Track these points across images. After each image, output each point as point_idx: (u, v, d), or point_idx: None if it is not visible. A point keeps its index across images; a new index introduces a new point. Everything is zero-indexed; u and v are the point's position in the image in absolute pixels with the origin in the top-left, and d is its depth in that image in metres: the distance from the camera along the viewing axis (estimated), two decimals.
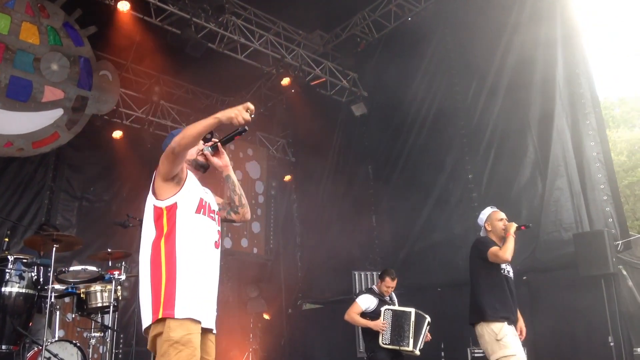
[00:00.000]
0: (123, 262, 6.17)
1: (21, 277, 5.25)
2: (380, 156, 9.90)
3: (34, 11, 8.24)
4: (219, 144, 3.15)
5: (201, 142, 3.07)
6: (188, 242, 2.84)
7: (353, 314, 6.03)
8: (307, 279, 10.96)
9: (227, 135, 3.16)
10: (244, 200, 3.36)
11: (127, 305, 9.18)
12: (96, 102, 8.90)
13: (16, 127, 8.13)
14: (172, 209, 2.88)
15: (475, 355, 6.74)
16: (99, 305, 5.67)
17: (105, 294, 5.67)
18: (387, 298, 6.18)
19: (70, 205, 9.79)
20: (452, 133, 8.74)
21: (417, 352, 5.78)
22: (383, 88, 9.98)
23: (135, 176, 10.62)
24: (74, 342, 5.52)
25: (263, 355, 9.89)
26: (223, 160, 3.26)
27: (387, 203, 9.61)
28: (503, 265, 4.82)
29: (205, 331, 2.84)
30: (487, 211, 5.10)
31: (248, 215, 3.40)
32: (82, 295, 5.68)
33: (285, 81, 9.83)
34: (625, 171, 19.99)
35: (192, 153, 3.11)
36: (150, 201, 2.94)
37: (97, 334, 5.82)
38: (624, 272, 6.78)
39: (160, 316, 2.67)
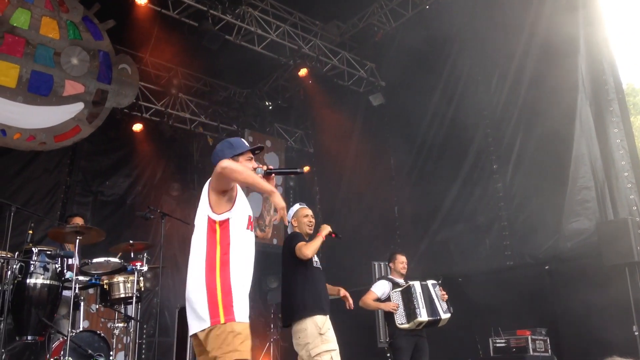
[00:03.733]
0: (145, 254, 6.22)
1: (45, 269, 5.32)
2: (401, 147, 9.83)
3: (53, 6, 8.31)
4: (273, 173, 3.51)
5: (256, 163, 3.43)
6: (239, 256, 3.16)
7: (366, 299, 6.10)
8: (327, 269, 10.94)
9: (283, 169, 3.72)
10: (271, 222, 3.70)
11: (150, 296, 9.27)
12: (116, 95, 8.97)
13: (38, 121, 8.22)
14: (225, 224, 3.17)
15: (497, 345, 6.70)
16: (122, 296, 5.74)
17: (128, 285, 5.74)
18: (403, 283, 6.15)
19: (86, 199, 9.85)
20: (475, 123, 8.64)
21: (446, 317, 5.80)
22: (401, 78, 9.91)
23: (151, 169, 10.72)
24: (98, 332, 5.59)
25: (284, 345, 9.91)
26: (271, 186, 3.42)
27: (409, 193, 9.56)
28: (315, 257, 4.87)
29: None
30: (294, 208, 5.10)
31: (268, 236, 3.75)
32: (105, 287, 5.76)
33: (303, 72, 9.80)
34: None
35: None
36: (205, 211, 3.21)
37: (121, 325, 5.90)
38: None
39: (222, 322, 2.97)
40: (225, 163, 3.10)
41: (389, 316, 5.94)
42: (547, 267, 7.34)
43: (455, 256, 8.51)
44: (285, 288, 4.83)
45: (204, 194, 3.25)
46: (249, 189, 3.41)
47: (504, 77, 8.33)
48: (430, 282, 5.95)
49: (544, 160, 7.65)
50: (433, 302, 5.81)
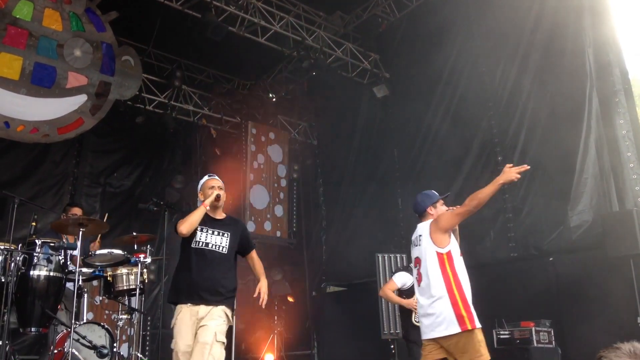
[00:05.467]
0: (149, 246, 6.22)
1: (49, 261, 5.31)
2: (405, 138, 9.79)
3: None
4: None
5: (446, 207, 4.48)
6: (462, 277, 4.12)
7: (387, 291, 6.08)
8: (331, 262, 10.97)
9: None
10: None
11: (153, 288, 9.30)
12: (119, 87, 8.95)
13: (41, 113, 8.22)
14: (449, 254, 4.15)
15: (501, 337, 6.69)
16: (126, 288, 5.75)
17: (132, 277, 5.75)
18: None
19: (94, 191, 9.90)
20: (480, 114, 8.58)
21: None
22: (405, 69, 9.86)
23: (157, 161, 10.73)
24: (102, 324, 5.60)
25: (288, 337, 9.96)
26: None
27: (413, 185, 9.50)
28: (201, 237, 4.26)
29: None
30: (203, 178, 4.66)
31: None
32: (109, 279, 5.77)
33: (306, 64, 9.76)
34: None
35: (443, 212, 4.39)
36: (432, 248, 4.19)
37: (125, 316, 5.91)
38: None
39: (469, 328, 3.92)
40: (467, 203, 4.31)
41: (405, 309, 5.92)
42: (551, 259, 7.31)
43: (460, 248, 8.47)
44: None
45: (426, 236, 4.24)
46: None
47: (509, 68, 8.27)
48: None
49: (549, 152, 7.59)
50: None
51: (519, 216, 7.90)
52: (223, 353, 4.04)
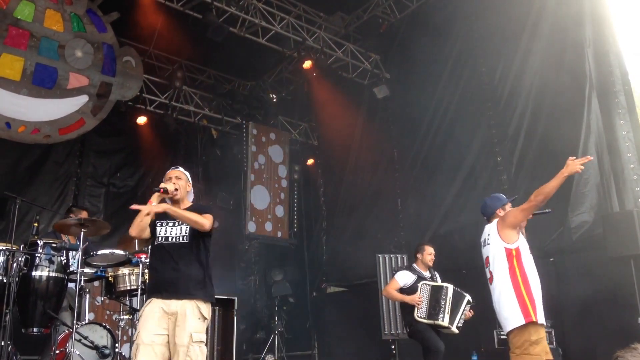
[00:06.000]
0: (150, 246, 6.22)
1: (51, 261, 5.34)
2: (405, 139, 9.81)
3: None
4: (531, 215, 4.55)
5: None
6: (530, 273, 4.23)
7: (390, 290, 6.12)
8: (331, 262, 10.98)
9: (536, 212, 4.62)
10: None
11: None
12: (120, 88, 8.97)
13: (42, 114, 8.23)
14: (517, 250, 4.29)
15: (502, 337, 6.70)
16: (127, 288, 5.74)
17: (133, 277, 5.74)
18: (428, 275, 6.19)
19: (97, 191, 9.90)
20: (479, 115, 8.61)
21: (455, 330, 5.78)
22: (406, 70, 9.87)
23: (159, 161, 10.72)
24: (104, 324, 5.61)
25: (288, 337, 9.96)
26: (524, 224, 4.58)
27: (413, 186, 9.54)
28: (161, 232, 3.95)
29: None
30: None
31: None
32: (110, 279, 5.77)
33: (307, 64, 9.78)
34: None
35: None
36: (501, 244, 4.35)
37: (126, 317, 5.90)
38: None
39: (533, 320, 4.03)
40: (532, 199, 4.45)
41: (408, 306, 5.94)
42: (552, 259, 7.31)
43: (460, 248, 8.48)
44: None
45: (494, 234, 4.41)
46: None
47: (509, 69, 8.28)
48: (467, 297, 5.92)
49: (549, 153, 7.60)
50: (457, 312, 5.81)
51: None
52: (203, 352, 3.76)
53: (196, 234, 3.91)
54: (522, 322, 4.05)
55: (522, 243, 4.35)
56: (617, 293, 6.40)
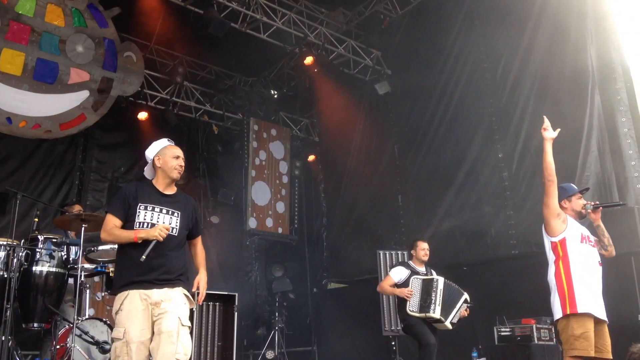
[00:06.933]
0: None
1: (51, 257, 5.36)
2: (406, 135, 9.80)
3: None
4: (600, 207, 4.44)
5: (584, 200, 4.47)
6: (576, 263, 4.17)
7: (384, 285, 6.21)
8: (332, 259, 10.99)
9: (607, 203, 4.67)
10: (611, 242, 4.46)
11: None
12: (121, 83, 8.96)
13: (44, 109, 8.23)
14: (563, 241, 4.25)
15: (502, 334, 6.70)
16: None
17: None
18: (423, 270, 6.22)
19: (100, 186, 9.92)
20: (481, 111, 8.58)
21: (449, 325, 5.81)
22: (407, 66, 9.85)
23: None
24: (104, 319, 5.62)
25: (289, 333, 9.97)
26: (597, 217, 4.44)
27: (414, 182, 9.53)
28: (146, 217, 3.62)
29: (599, 322, 4.12)
30: (161, 143, 3.91)
31: (614, 253, 4.48)
32: (111, 274, 5.77)
33: (308, 60, 9.75)
34: None
35: (579, 205, 4.43)
36: (546, 238, 4.36)
37: None
38: None
39: (568, 312, 4.04)
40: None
41: (402, 301, 5.99)
42: None
43: (461, 245, 8.49)
44: None
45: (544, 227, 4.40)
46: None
47: (510, 64, 8.25)
48: (465, 296, 5.97)
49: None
50: (451, 307, 5.86)
51: (520, 213, 7.90)
52: (189, 338, 3.56)
53: (186, 230, 3.78)
54: (560, 314, 4.11)
55: (570, 233, 4.28)
56: (617, 290, 6.38)
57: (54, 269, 5.36)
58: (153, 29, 9.40)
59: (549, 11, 7.80)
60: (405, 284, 6.05)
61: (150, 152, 3.84)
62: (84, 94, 8.59)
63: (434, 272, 6.34)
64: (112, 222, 3.63)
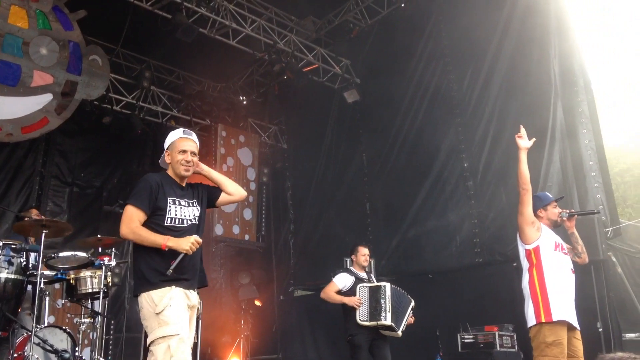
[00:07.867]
0: (113, 249, 6.13)
1: (10, 263, 5.20)
2: (374, 143, 9.86)
3: None
4: (575, 215, 4.62)
5: (559, 209, 4.55)
6: (549, 271, 4.26)
7: (329, 291, 6.00)
8: (299, 266, 10.97)
9: (582, 211, 4.88)
10: (584, 249, 4.64)
11: (118, 292, 9.15)
12: (86, 87, 8.79)
13: (5, 112, 8.02)
14: (537, 249, 4.33)
15: (465, 341, 6.78)
16: (89, 291, 5.64)
17: (95, 280, 5.65)
18: (365, 277, 6.16)
19: (61, 191, 9.70)
20: (447, 121, 8.71)
21: (399, 333, 5.76)
22: (376, 75, 9.93)
23: (126, 162, 10.56)
24: (64, 327, 5.50)
25: (254, 341, 9.91)
26: (572, 224, 4.60)
27: (381, 190, 9.59)
28: (176, 213, 3.51)
29: (572, 329, 4.22)
30: (175, 134, 3.76)
31: (587, 260, 4.67)
32: (71, 281, 5.65)
33: (278, 67, 9.75)
34: (617, 158, 20.06)
35: (554, 214, 4.52)
36: (521, 246, 4.44)
37: (87, 320, 5.79)
38: (614, 259, 6.83)
39: (542, 320, 4.14)
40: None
41: (349, 311, 5.87)
42: (515, 265, 7.41)
43: (426, 253, 8.57)
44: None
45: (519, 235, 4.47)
46: None
47: (476, 76, 8.41)
48: (412, 303, 5.95)
49: (514, 159, 7.65)
50: (401, 314, 5.81)
51: (484, 222, 8.02)
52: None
53: (203, 217, 3.68)
54: (533, 322, 4.19)
55: (543, 241, 4.35)
56: (577, 298, 6.51)
57: (12, 276, 5.21)
58: (120, 32, 9.27)
59: (514, 25, 7.98)
60: (350, 291, 5.92)
61: (165, 144, 3.73)
62: (47, 97, 8.40)
63: (373, 277, 6.34)
64: (136, 218, 3.37)
